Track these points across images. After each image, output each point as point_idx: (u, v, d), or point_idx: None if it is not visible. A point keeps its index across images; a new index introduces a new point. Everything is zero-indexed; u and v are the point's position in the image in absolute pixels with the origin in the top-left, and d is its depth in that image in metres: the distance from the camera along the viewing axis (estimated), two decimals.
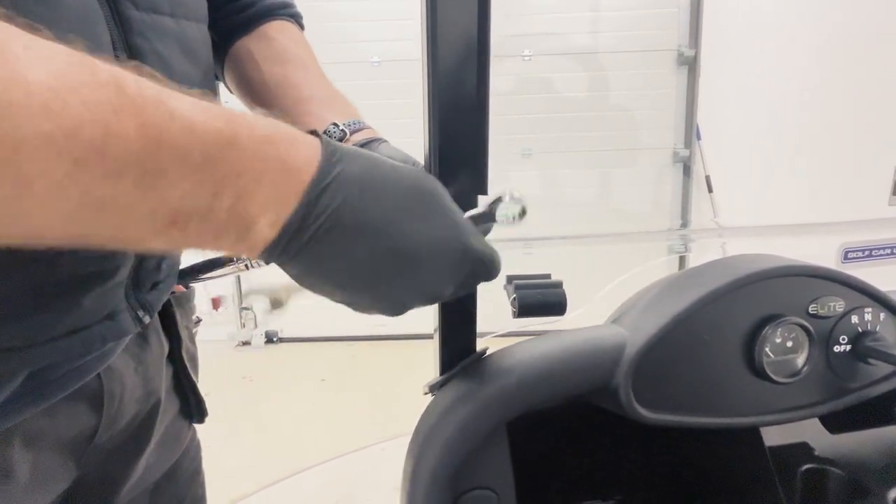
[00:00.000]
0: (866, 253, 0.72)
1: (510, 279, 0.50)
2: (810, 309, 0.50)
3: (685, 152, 3.35)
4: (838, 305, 0.51)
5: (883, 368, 0.53)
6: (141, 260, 0.49)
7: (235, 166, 0.30)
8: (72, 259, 0.42)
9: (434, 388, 0.50)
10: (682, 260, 2.53)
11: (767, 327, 0.48)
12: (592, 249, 2.80)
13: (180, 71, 0.49)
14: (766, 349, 0.49)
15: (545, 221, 3.31)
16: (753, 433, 0.58)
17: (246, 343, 3.58)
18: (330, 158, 0.34)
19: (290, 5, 0.71)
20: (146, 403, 0.56)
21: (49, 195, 0.26)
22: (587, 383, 0.47)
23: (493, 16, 0.42)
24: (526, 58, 3.25)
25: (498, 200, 0.41)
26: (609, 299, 0.61)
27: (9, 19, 0.26)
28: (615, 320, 0.53)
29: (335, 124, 0.60)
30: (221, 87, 0.73)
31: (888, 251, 0.72)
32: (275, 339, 3.60)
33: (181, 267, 0.61)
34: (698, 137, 3.30)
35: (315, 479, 2.20)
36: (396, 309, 0.39)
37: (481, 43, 0.42)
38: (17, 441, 0.43)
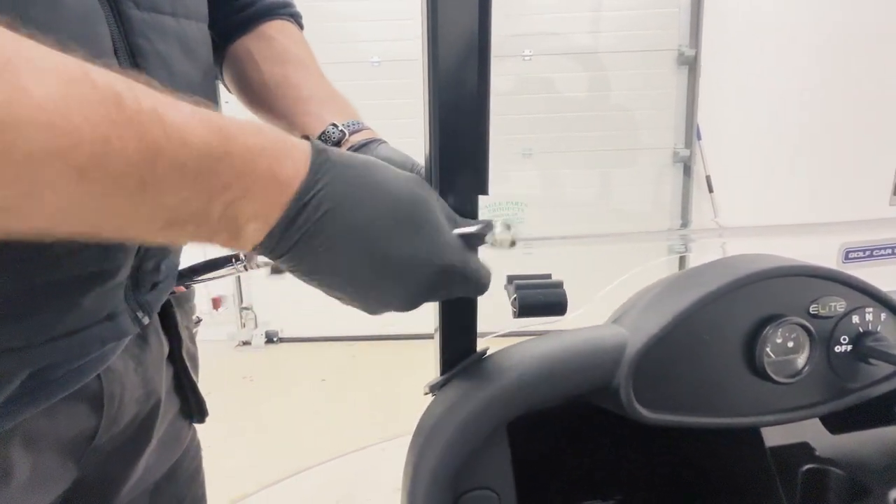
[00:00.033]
0: (867, 253, 0.72)
1: (510, 279, 0.50)
2: (811, 309, 0.50)
3: (685, 152, 3.34)
4: (839, 305, 0.50)
5: (884, 368, 0.53)
6: (140, 261, 0.49)
7: (226, 178, 0.32)
8: (72, 259, 0.42)
9: (434, 389, 0.50)
10: (682, 260, 2.54)
11: (768, 327, 0.48)
12: (593, 249, 2.81)
13: (181, 70, 0.49)
14: (767, 349, 0.49)
15: (545, 221, 3.32)
16: (754, 433, 0.58)
17: (246, 343, 3.58)
18: (316, 172, 0.35)
19: (290, 5, 0.71)
20: (146, 404, 0.55)
21: (55, 202, 0.28)
22: (588, 383, 0.47)
23: (493, 16, 0.42)
24: (526, 58, 3.25)
25: (490, 225, 0.42)
26: (609, 299, 0.61)
27: (9, 26, 0.27)
28: (615, 320, 0.53)
29: (334, 125, 0.60)
30: (221, 86, 0.73)
31: (889, 251, 0.72)
32: (275, 339, 3.60)
33: (181, 267, 0.61)
34: (699, 137, 3.30)
35: (315, 479, 2.20)
36: (376, 311, 0.42)
37: (482, 43, 0.42)
38: (17, 442, 0.43)
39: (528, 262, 0.51)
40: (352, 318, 0.43)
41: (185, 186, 0.31)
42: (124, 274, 0.47)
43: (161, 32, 0.46)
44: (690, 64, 3.26)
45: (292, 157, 0.35)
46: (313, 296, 0.42)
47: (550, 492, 0.62)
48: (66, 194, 0.28)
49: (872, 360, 0.51)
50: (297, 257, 0.36)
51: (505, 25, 3.15)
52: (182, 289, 0.64)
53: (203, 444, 0.72)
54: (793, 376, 0.50)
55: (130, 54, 0.44)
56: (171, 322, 0.61)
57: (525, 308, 0.48)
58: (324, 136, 0.60)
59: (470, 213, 0.45)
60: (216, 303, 3.58)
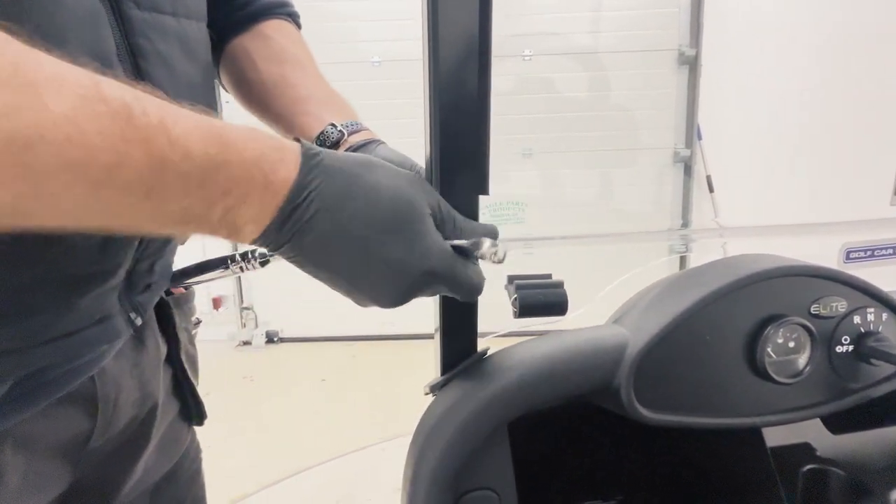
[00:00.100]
0: (868, 253, 0.72)
1: (511, 279, 0.50)
2: (812, 309, 0.50)
3: (686, 152, 3.34)
4: (840, 306, 0.50)
5: (885, 369, 0.52)
6: (135, 262, 0.49)
7: (225, 186, 0.35)
8: (71, 260, 0.42)
9: (435, 389, 0.50)
10: (683, 260, 2.54)
11: (769, 327, 0.48)
12: (593, 249, 2.80)
13: (181, 70, 0.49)
14: (768, 349, 0.49)
15: (545, 221, 3.32)
16: (755, 434, 0.57)
17: (246, 343, 3.58)
18: (306, 176, 0.38)
19: (288, 4, 0.71)
20: (143, 406, 0.55)
21: (69, 208, 0.31)
22: (588, 383, 0.47)
23: (493, 16, 0.42)
24: (526, 58, 3.25)
25: (479, 243, 0.42)
26: (610, 299, 0.61)
27: (13, 32, 0.28)
28: (616, 320, 0.53)
29: (333, 125, 0.60)
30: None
31: (890, 251, 0.72)
32: (275, 339, 3.60)
33: (176, 269, 0.60)
34: (699, 137, 3.30)
35: (315, 479, 2.20)
36: (365, 305, 0.44)
37: (482, 43, 0.42)
38: (9, 445, 0.43)
39: (528, 262, 0.51)
40: (352, 318, 0.44)
41: (188, 194, 0.33)
42: (122, 274, 0.47)
43: (162, 32, 0.46)
44: (691, 64, 3.26)
45: (284, 162, 0.37)
46: (314, 296, 0.43)
47: (551, 492, 0.62)
48: (80, 201, 0.30)
49: (874, 361, 0.51)
50: (290, 251, 0.39)
51: (505, 25, 3.15)
52: (181, 290, 0.63)
53: (203, 445, 0.72)
54: (794, 376, 0.50)
55: (131, 54, 0.44)
56: (170, 324, 0.61)
57: (525, 308, 0.48)
58: (322, 137, 0.60)
59: (470, 213, 0.45)
60: (216, 303, 3.58)
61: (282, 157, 0.37)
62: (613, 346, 0.48)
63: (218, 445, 1.82)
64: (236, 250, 0.58)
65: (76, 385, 0.46)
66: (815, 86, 3.19)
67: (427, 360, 0.54)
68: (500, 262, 0.43)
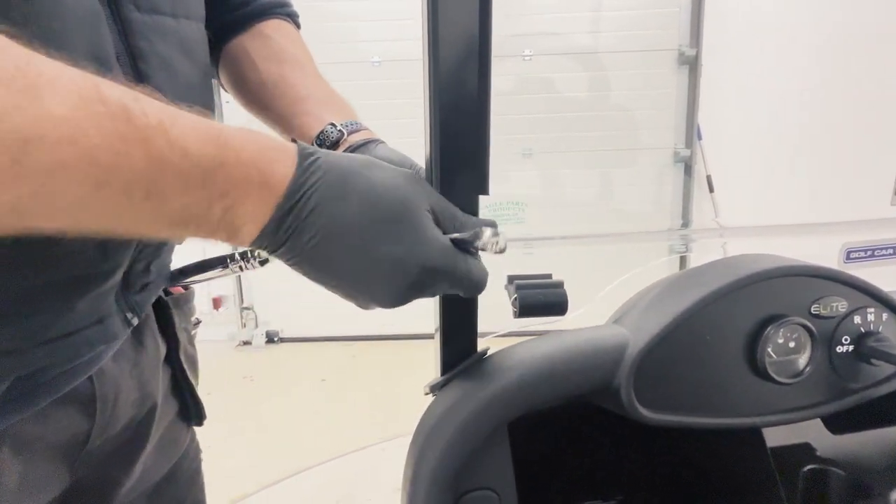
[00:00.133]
0: (868, 253, 0.72)
1: (511, 279, 0.50)
2: (812, 309, 0.50)
3: (686, 152, 3.34)
4: (841, 306, 0.50)
5: (886, 369, 0.52)
6: (132, 262, 0.49)
7: (224, 186, 0.35)
8: (70, 262, 0.42)
9: (435, 389, 0.50)
10: (683, 260, 2.54)
11: (769, 327, 0.48)
12: (593, 249, 2.80)
13: (181, 71, 0.49)
14: (769, 349, 0.49)
15: (545, 221, 3.32)
16: (755, 434, 0.57)
17: (247, 343, 3.59)
18: (301, 175, 0.38)
19: (287, 4, 0.71)
20: (142, 407, 0.55)
21: (69, 208, 0.31)
22: (588, 383, 0.47)
23: (493, 16, 0.42)
24: (526, 58, 3.25)
25: (479, 233, 0.42)
26: (610, 299, 0.61)
27: (13, 36, 0.29)
28: (616, 320, 0.53)
29: (332, 124, 0.60)
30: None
31: (890, 251, 0.72)
32: (275, 339, 3.60)
33: (173, 268, 0.60)
34: (699, 137, 3.30)
35: (315, 479, 2.20)
36: (364, 306, 0.44)
37: (482, 43, 0.42)
38: (7, 446, 0.43)
39: (528, 262, 0.51)
40: (352, 318, 0.44)
41: (187, 194, 0.34)
42: (119, 275, 0.47)
43: (161, 34, 0.46)
44: (691, 64, 3.26)
45: (281, 162, 0.37)
46: (314, 296, 0.42)
47: (551, 492, 0.62)
48: (79, 202, 0.30)
49: (874, 361, 0.51)
50: (288, 252, 0.39)
51: (505, 25, 3.15)
52: (180, 290, 0.63)
53: (203, 445, 0.72)
54: (794, 377, 0.49)
55: (131, 56, 0.44)
56: (169, 324, 0.61)
57: (525, 308, 0.48)
58: (322, 136, 0.60)
59: (470, 212, 0.45)
60: (217, 303, 3.58)
61: (279, 157, 0.37)
62: (613, 346, 0.48)
63: (218, 445, 1.82)
64: (236, 249, 0.58)
65: (74, 385, 0.46)
66: (815, 86, 3.19)
67: (427, 360, 0.54)
68: (502, 251, 0.42)
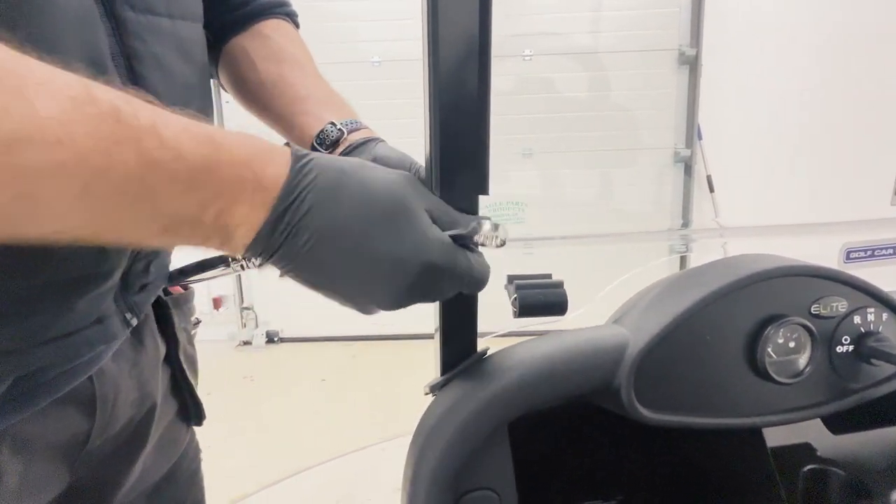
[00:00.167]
0: (868, 253, 0.72)
1: (511, 279, 0.50)
2: (812, 309, 0.50)
3: (686, 152, 3.34)
4: (841, 306, 0.50)
5: (886, 369, 0.52)
6: (131, 262, 0.49)
7: (217, 188, 0.34)
8: (69, 262, 0.42)
9: (435, 389, 0.50)
10: (683, 260, 2.54)
11: (770, 327, 0.48)
12: (593, 249, 2.81)
13: (177, 72, 0.49)
14: (769, 349, 0.49)
15: (545, 221, 3.32)
16: (755, 434, 0.57)
17: (247, 343, 3.59)
18: (297, 176, 0.37)
19: (286, 4, 0.71)
20: (141, 407, 0.55)
21: (59, 212, 0.30)
22: (588, 383, 0.47)
23: (493, 16, 0.42)
24: (526, 58, 3.25)
25: (479, 225, 0.41)
26: (610, 299, 0.61)
27: (3, 39, 0.28)
28: (616, 320, 0.53)
29: (332, 123, 0.60)
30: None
31: (890, 251, 0.72)
32: (276, 339, 3.61)
33: (172, 269, 0.60)
34: (699, 137, 3.30)
35: (315, 479, 2.20)
36: (364, 310, 0.43)
37: (482, 43, 0.42)
38: (6, 446, 0.43)
39: (528, 262, 0.51)
40: (352, 319, 0.44)
41: (179, 196, 0.33)
42: (118, 276, 0.47)
43: (156, 34, 0.46)
44: (691, 64, 3.26)
45: (275, 163, 0.37)
46: (314, 296, 0.42)
47: (551, 492, 0.62)
48: (69, 205, 0.30)
49: (874, 361, 0.51)
50: (285, 257, 0.38)
51: (505, 25, 3.15)
52: (180, 290, 0.63)
53: (203, 445, 0.72)
54: (794, 377, 0.49)
55: (126, 57, 0.44)
56: (168, 324, 0.61)
57: (525, 308, 0.48)
58: (322, 135, 0.60)
59: (470, 213, 0.45)
60: (217, 303, 3.58)
61: (272, 158, 0.37)
62: (613, 346, 0.48)
63: (218, 445, 1.82)
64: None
65: (74, 385, 0.46)
66: (815, 86, 3.19)
67: (427, 360, 0.54)
68: (503, 244, 0.42)
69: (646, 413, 0.47)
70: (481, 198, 0.46)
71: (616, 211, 3.41)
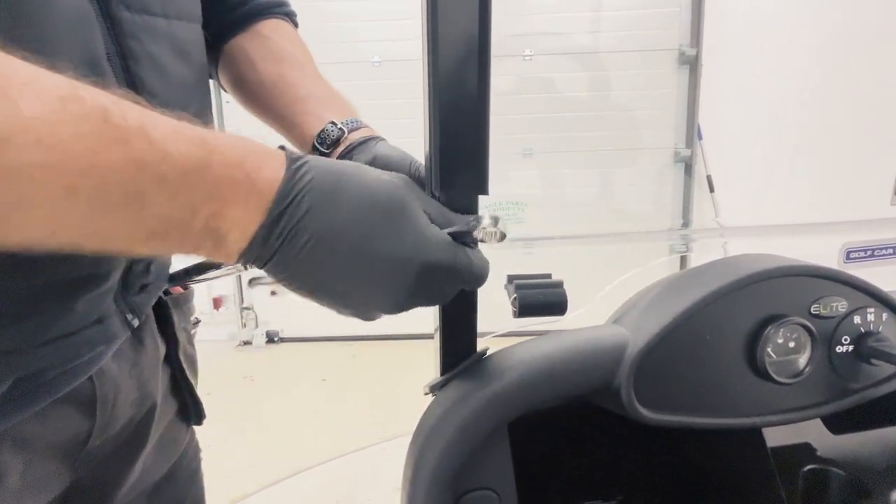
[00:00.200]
0: (868, 253, 0.72)
1: (510, 279, 0.50)
2: (812, 309, 0.50)
3: (686, 152, 3.34)
4: (841, 306, 0.50)
5: (886, 369, 0.52)
6: (131, 263, 0.49)
7: (208, 190, 0.33)
8: (68, 263, 0.42)
9: (434, 389, 0.50)
10: (683, 260, 2.54)
11: (769, 327, 0.48)
12: (593, 249, 2.80)
13: (174, 72, 0.49)
14: (769, 349, 0.49)
15: (545, 221, 3.32)
16: (755, 434, 0.57)
17: (247, 343, 3.59)
18: (293, 178, 0.36)
19: (284, 3, 0.71)
20: (142, 407, 0.55)
21: (42, 215, 0.29)
22: (588, 383, 0.47)
23: (493, 15, 0.42)
24: (526, 57, 3.25)
25: (478, 220, 0.41)
26: (610, 299, 0.61)
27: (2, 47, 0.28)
28: (616, 320, 0.53)
29: (333, 123, 0.60)
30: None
31: (890, 251, 0.72)
32: (276, 339, 3.61)
33: (173, 270, 0.60)
34: (700, 137, 3.30)
35: (315, 479, 2.20)
36: (366, 315, 0.42)
37: (482, 43, 0.42)
38: (7, 446, 0.43)
39: (528, 262, 0.51)
40: (352, 319, 0.43)
41: (168, 198, 0.32)
42: (117, 276, 0.47)
43: (152, 34, 0.46)
44: (691, 63, 3.26)
45: (269, 165, 0.36)
46: None
47: (551, 492, 0.62)
48: (53, 207, 0.29)
49: (874, 361, 0.51)
50: (281, 263, 0.37)
51: (505, 25, 3.15)
52: (180, 290, 0.63)
53: (203, 445, 0.72)
54: (794, 377, 0.49)
55: (122, 57, 0.43)
56: (168, 324, 0.61)
57: (525, 308, 0.47)
58: (323, 135, 0.60)
59: (470, 213, 0.45)
60: (217, 303, 3.58)
61: (266, 160, 0.36)
62: (613, 346, 0.48)
63: (218, 445, 1.82)
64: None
65: (75, 385, 0.46)
66: (815, 86, 3.19)
67: (427, 360, 0.54)
68: (503, 238, 0.41)
69: (646, 413, 0.47)
70: (481, 198, 0.46)
71: (616, 211, 3.41)
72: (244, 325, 3.59)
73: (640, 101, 3.30)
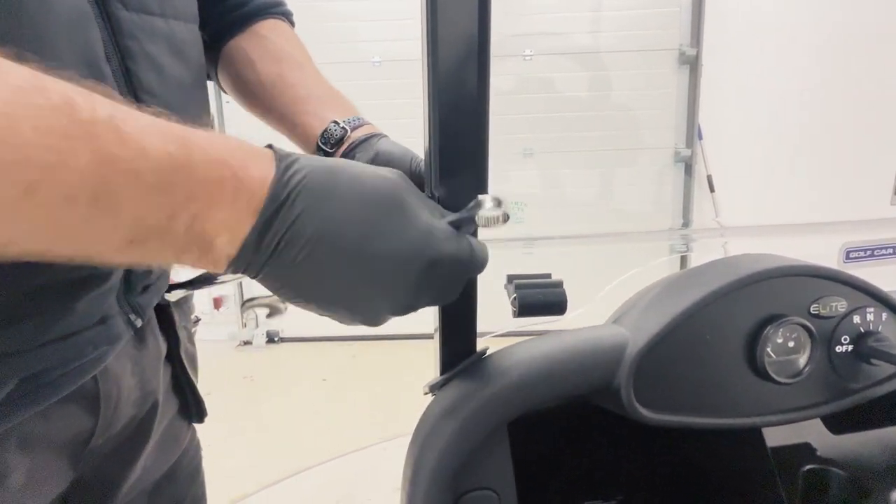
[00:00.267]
0: (868, 253, 0.72)
1: (510, 279, 0.50)
2: (812, 309, 0.50)
3: (686, 152, 3.34)
4: (840, 305, 0.50)
5: (886, 369, 0.52)
6: None
7: (189, 189, 0.30)
8: (69, 265, 0.42)
9: (434, 388, 0.50)
10: (683, 260, 2.54)
11: (769, 327, 0.48)
12: (593, 249, 2.80)
13: (171, 72, 0.49)
14: (768, 349, 0.49)
15: (545, 221, 3.32)
16: (755, 434, 0.57)
17: (247, 343, 3.59)
18: (284, 175, 0.34)
19: (282, 4, 0.71)
20: (144, 405, 0.55)
21: (4, 217, 0.26)
22: (588, 383, 0.47)
23: (493, 15, 0.42)
24: (526, 57, 3.25)
25: (478, 204, 0.40)
26: (610, 299, 0.61)
27: None
28: (616, 320, 0.53)
29: (335, 122, 0.60)
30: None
31: (890, 251, 0.72)
32: (276, 339, 3.61)
33: (175, 282, 0.60)
34: (700, 137, 3.30)
35: (315, 479, 2.20)
36: (373, 320, 0.39)
37: (481, 42, 0.42)
38: (12, 444, 0.43)
39: (528, 262, 0.51)
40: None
41: (144, 199, 0.29)
42: (117, 277, 0.47)
43: (150, 34, 0.46)
44: (691, 63, 3.26)
45: (256, 163, 0.34)
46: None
47: (551, 492, 0.62)
48: (13, 210, 0.26)
49: (874, 361, 0.51)
50: (277, 270, 0.34)
51: (505, 25, 3.15)
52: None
53: (203, 444, 0.72)
54: (794, 376, 0.49)
55: (120, 56, 0.43)
56: (169, 322, 0.61)
57: (525, 308, 0.47)
58: (326, 135, 0.60)
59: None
60: (217, 303, 3.58)
61: (253, 157, 0.34)
62: (613, 346, 0.48)
63: (218, 445, 1.82)
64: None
65: (78, 385, 0.46)
66: (815, 86, 3.19)
67: (426, 360, 0.54)
68: (506, 220, 0.40)
69: (645, 413, 0.47)
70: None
71: (616, 211, 3.41)
72: (244, 325, 3.59)
73: (641, 101, 3.30)
